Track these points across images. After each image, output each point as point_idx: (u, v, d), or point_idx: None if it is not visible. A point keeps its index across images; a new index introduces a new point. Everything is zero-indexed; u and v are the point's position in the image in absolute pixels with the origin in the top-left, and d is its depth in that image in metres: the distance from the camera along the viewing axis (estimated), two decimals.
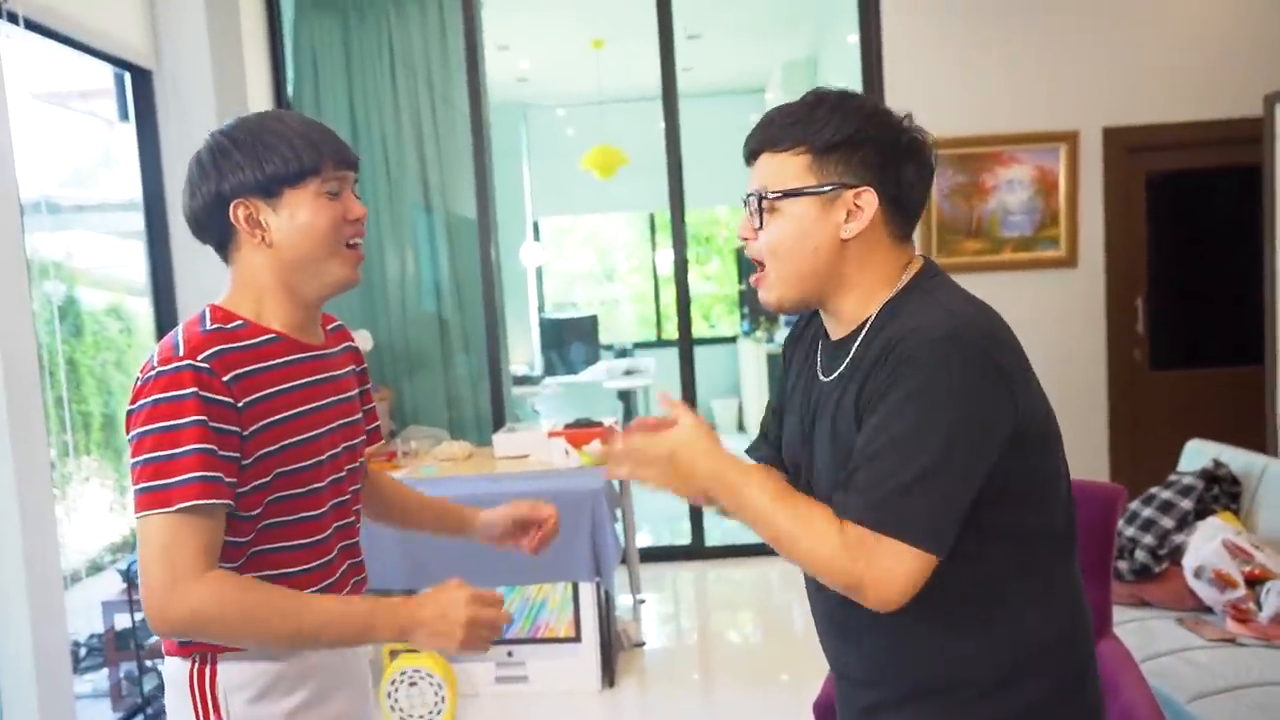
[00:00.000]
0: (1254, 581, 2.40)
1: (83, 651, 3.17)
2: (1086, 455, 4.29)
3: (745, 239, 1.17)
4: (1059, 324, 4.28)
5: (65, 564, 2.62)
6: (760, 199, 1.13)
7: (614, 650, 3.36)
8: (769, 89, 7.20)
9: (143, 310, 3.63)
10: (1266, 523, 2.64)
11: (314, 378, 1.27)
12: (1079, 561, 1.18)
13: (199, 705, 1.21)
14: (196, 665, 1.22)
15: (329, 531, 1.28)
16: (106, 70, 3.31)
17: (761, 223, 1.14)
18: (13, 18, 2.57)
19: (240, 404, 1.16)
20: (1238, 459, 2.82)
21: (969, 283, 1.16)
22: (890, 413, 1.03)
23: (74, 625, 2.70)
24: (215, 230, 1.23)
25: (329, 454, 1.28)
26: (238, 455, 1.15)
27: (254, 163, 1.19)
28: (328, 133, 1.24)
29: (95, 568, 3.36)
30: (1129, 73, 4.21)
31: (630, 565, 3.85)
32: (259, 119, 1.23)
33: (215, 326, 1.20)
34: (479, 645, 1.19)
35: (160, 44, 3.42)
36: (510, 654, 3.22)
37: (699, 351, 4.77)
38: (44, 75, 3.09)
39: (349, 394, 1.36)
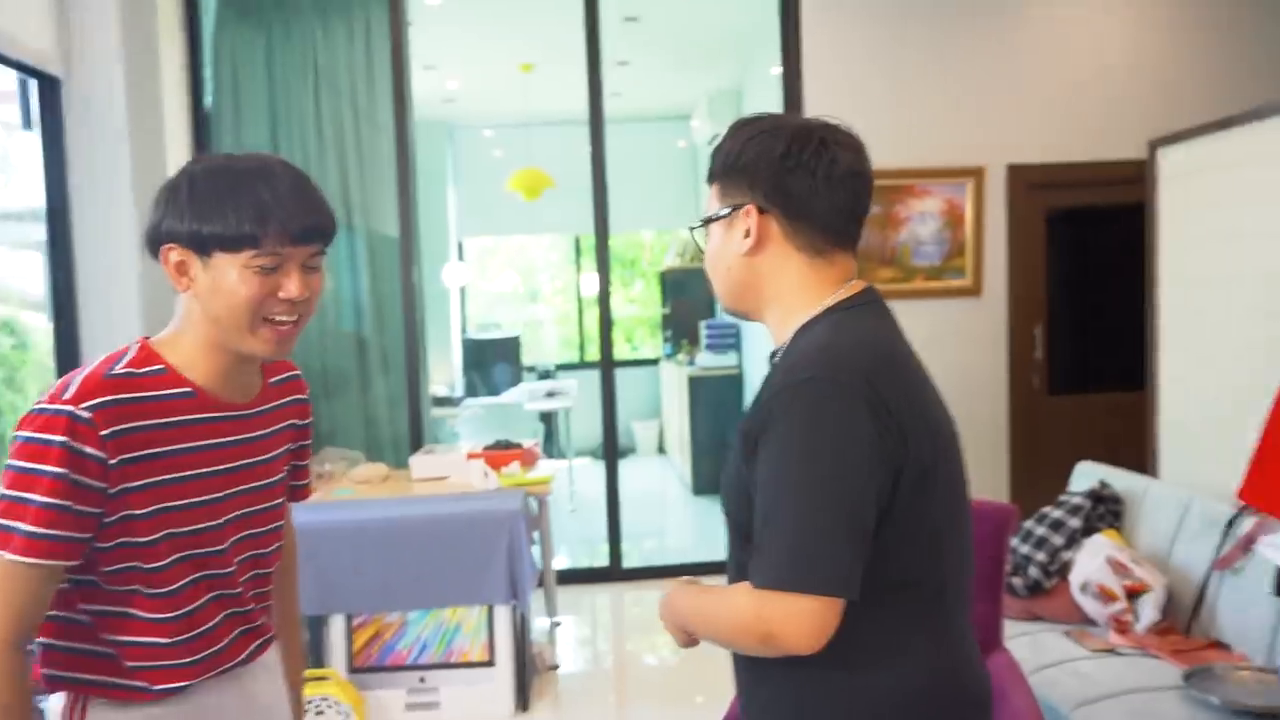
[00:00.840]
0: (1133, 594, 2.56)
1: None
2: (988, 476, 4.48)
3: None
4: (965, 350, 4.48)
5: None
6: (691, 231, 1.29)
7: (529, 674, 3.35)
8: (695, 116, 7.34)
9: (40, 325, 3.49)
10: (1146, 539, 2.80)
11: (220, 440, 1.22)
12: (965, 620, 1.14)
13: None
14: (68, 702, 1.21)
15: (204, 600, 1.22)
16: (8, 75, 3.19)
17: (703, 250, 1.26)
18: None
19: (112, 461, 1.11)
20: (1121, 480, 2.99)
21: None
22: (765, 471, 1.04)
23: None
24: (157, 259, 1.18)
25: (226, 519, 1.23)
26: (100, 512, 1.12)
27: (195, 215, 1.13)
28: (297, 203, 1.15)
29: None
30: (1031, 114, 4.47)
31: (547, 588, 3.84)
32: (233, 168, 1.15)
33: (126, 371, 1.15)
34: None
35: (71, 51, 3.33)
36: (422, 680, 3.18)
37: (621, 373, 4.81)
38: None
39: (269, 455, 1.29)
